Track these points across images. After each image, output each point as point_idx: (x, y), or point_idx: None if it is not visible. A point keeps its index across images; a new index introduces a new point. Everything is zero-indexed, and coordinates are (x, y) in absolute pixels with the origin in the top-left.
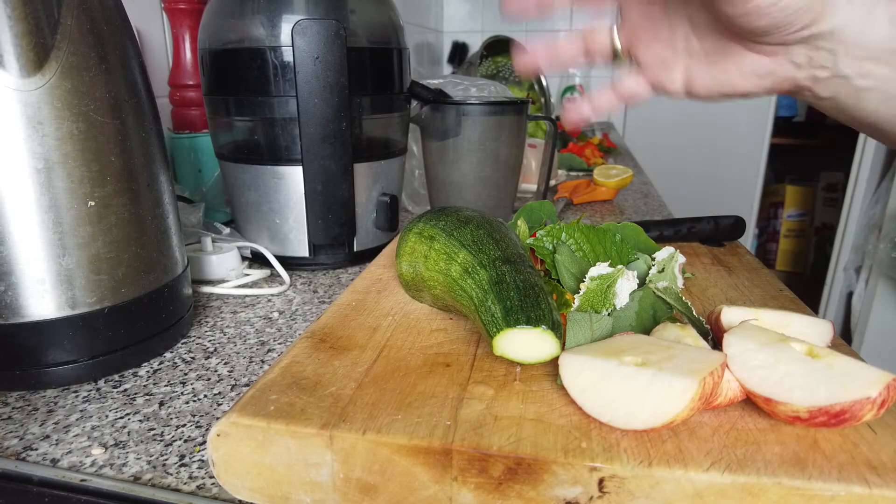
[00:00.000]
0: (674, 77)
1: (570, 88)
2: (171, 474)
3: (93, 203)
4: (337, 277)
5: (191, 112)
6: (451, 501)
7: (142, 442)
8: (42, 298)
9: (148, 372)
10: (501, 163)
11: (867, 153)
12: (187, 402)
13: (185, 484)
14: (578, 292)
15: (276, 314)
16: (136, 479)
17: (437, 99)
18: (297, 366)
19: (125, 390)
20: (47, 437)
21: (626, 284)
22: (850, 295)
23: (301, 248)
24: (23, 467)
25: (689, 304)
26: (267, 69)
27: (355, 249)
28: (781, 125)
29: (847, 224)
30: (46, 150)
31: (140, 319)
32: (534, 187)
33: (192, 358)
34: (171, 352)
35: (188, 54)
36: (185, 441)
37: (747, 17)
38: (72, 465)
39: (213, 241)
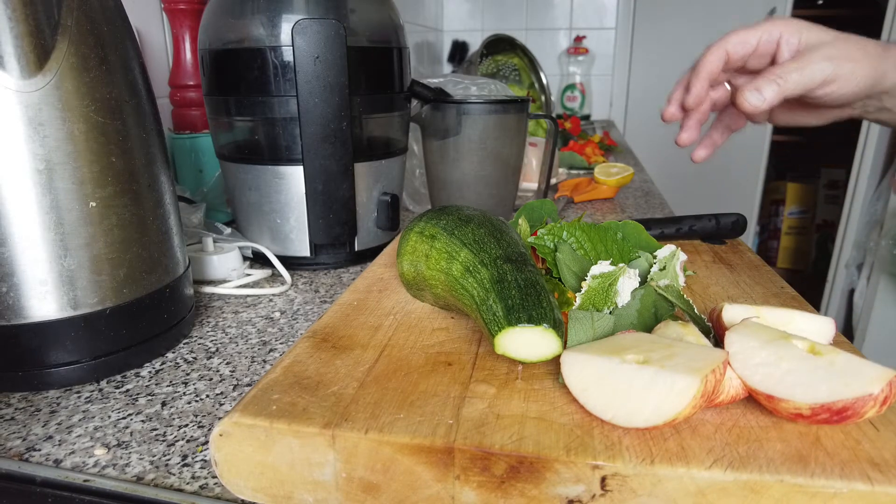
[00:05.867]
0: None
1: (571, 87)
2: (174, 474)
3: (94, 204)
4: (338, 277)
5: (191, 112)
6: (454, 500)
7: (144, 442)
8: (44, 299)
9: (150, 372)
10: (502, 161)
11: (868, 150)
12: (189, 403)
13: (187, 484)
14: (580, 291)
15: (277, 314)
16: (138, 480)
17: (438, 98)
18: (299, 365)
19: (127, 391)
20: (50, 437)
21: (627, 283)
22: (851, 292)
23: (302, 248)
24: (26, 468)
25: (691, 301)
26: (267, 69)
27: (356, 249)
28: None
29: (848, 221)
30: (47, 151)
31: (142, 320)
32: (534, 186)
33: (194, 358)
34: (173, 352)
35: (188, 54)
36: (188, 441)
37: (838, 108)
38: (75, 466)
39: (215, 242)
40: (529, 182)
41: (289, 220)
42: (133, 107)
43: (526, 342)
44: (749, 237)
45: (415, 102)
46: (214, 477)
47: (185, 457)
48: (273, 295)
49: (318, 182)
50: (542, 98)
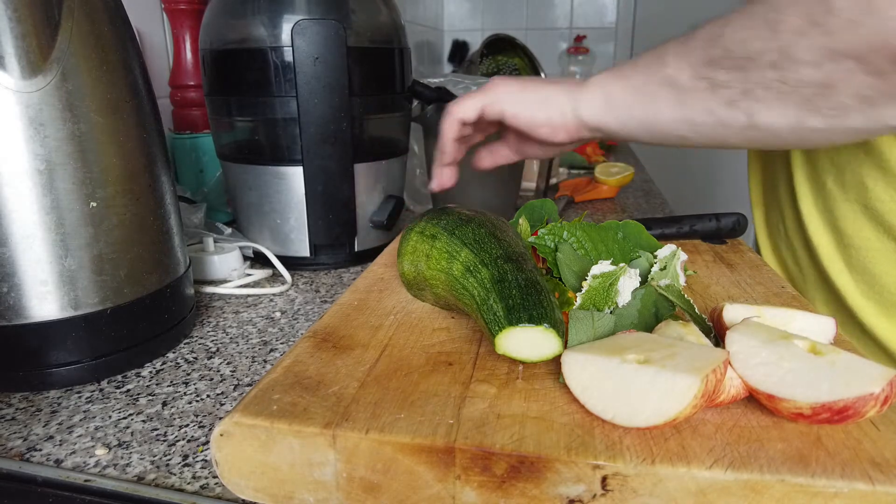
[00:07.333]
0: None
1: None
2: (175, 474)
3: (94, 204)
4: (339, 277)
5: (192, 112)
6: (455, 500)
7: (145, 442)
8: (45, 300)
9: (151, 372)
10: None
11: None
12: (190, 403)
13: (188, 484)
14: (580, 290)
15: (278, 314)
16: (139, 480)
17: (439, 98)
18: (299, 365)
19: (128, 391)
20: (51, 437)
21: (628, 282)
22: None
23: (302, 248)
24: (27, 468)
25: (692, 301)
26: (267, 69)
27: (357, 249)
28: None
29: None
30: (48, 151)
31: (142, 320)
32: (535, 185)
33: (195, 358)
34: (174, 352)
35: (189, 55)
36: (189, 441)
37: (550, 148)
38: (75, 466)
39: (215, 242)
40: (530, 182)
41: (289, 220)
42: (133, 107)
43: (526, 342)
44: (749, 237)
45: (415, 102)
46: (215, 477)
47: (185, 457)
48: (273, 295)
49: (318, 183)
50: None
